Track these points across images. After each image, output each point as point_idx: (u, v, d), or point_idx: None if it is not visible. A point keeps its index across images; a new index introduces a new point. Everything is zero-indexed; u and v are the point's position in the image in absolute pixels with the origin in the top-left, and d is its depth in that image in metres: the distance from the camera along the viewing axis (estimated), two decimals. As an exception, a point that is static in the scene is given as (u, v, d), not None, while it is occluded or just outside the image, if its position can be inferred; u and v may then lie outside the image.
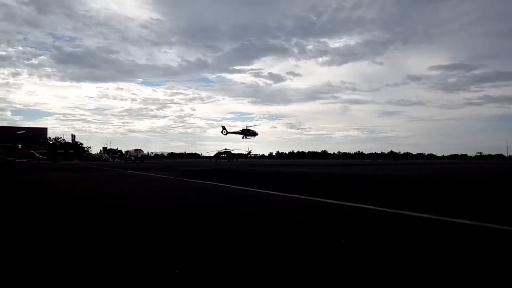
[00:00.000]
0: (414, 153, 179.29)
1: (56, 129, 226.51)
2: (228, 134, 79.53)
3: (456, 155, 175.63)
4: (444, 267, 2.78)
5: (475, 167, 31.71)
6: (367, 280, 2.50)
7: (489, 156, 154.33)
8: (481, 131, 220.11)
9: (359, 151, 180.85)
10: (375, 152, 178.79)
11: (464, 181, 13.58)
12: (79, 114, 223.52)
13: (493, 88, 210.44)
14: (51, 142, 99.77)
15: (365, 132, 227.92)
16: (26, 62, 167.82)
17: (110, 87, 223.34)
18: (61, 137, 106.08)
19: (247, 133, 77.86)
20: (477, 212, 5.44)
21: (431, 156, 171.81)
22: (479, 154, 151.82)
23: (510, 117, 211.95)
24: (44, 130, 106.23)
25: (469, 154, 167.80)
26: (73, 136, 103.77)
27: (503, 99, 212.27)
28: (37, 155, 66.85)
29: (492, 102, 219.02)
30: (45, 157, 69.37)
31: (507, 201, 7.15)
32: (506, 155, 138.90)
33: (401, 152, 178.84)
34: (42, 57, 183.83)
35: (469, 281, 2.50)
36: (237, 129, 78.67)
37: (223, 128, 79.41)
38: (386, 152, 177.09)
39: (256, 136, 79.17)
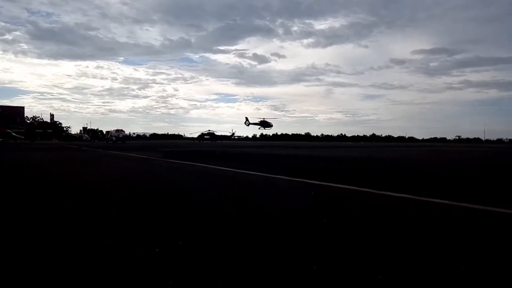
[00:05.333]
0: (395, 136, 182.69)
1: (34, 108, 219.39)
2: (250, 125, 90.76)
3: (435, 138, 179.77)
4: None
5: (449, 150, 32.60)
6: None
7: (467, 139, 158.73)
8: (461, 115, 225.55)
9: (342, 134, 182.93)
10: (357, 135, 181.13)
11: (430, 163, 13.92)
12: (57, 93, 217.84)
13: (474, 73, 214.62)
14: (28, 122, 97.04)
15: (348, 115, 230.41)
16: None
17: (89, 65, 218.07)
18: (39, 116, 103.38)
19: (265, 124, 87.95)
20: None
21: (411, 139, 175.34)
22: (457, 138, 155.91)
23: (489, 102, 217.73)
24: (21, 109, 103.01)
25: (448, 138, 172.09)
26: (52, 116, 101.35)
27: (482, 84, 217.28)
28: (14, 134, 64.88)
29: (472, 87, 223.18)
30: (23, 137, 67.47)
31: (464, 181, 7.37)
32: (483, 139, 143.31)
33: (383, 135, 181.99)
34: (16, 33, 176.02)
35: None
36: (257, 121, 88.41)
37: (246, 119, 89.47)
38: (368, 135, 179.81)
39: (272, 127, 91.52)
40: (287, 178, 7.48)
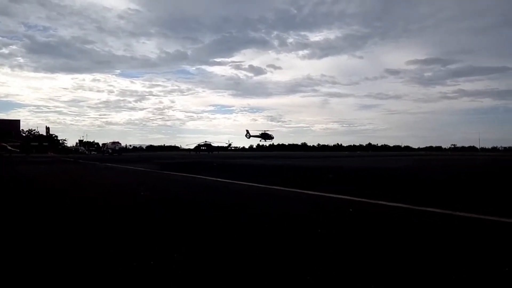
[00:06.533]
0: (391, 145, 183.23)
1: (30, 121, 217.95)
2: (250, 138, 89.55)
3: (431, 147, 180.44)
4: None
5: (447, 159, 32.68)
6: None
7: (462, 148, 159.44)
8: (455, 124, 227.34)
9: (338, 144, 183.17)
10: (353, 145, 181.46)
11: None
12: (53, 106, 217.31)
13: (468, 82, 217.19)
14: (24, 135, 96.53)
15: (344, 125, 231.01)
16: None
17: (86, 78, 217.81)
18: (35, 130, 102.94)
19: (266, 136, 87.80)
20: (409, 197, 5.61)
21: (407, 148, 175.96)
22: (453, 146, 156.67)
23: (483, 111, 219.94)
24: (17, 122, 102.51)
25: (443, 146, 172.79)
26: (48, 129, 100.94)
27: (476, 93, 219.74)
28: (9, 148, 64.42)
29: (466, 96, 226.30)
30: (18, 150, 67.00)
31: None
32: (478, 147, 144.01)
33: (379, 145, 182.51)
34: (13, 47, 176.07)
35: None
36: (258, 133, 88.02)
37: (247, 131, 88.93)
38: (364, 145, 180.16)
39: (273, 139, 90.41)
40: (283, 188, 7.49)
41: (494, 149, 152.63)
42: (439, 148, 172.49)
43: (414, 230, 3.70)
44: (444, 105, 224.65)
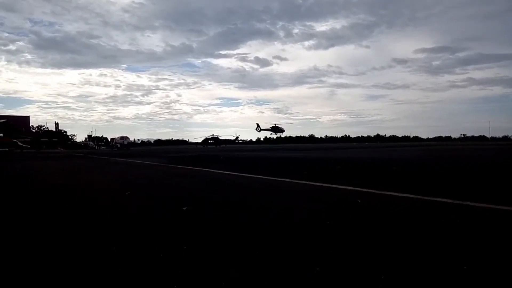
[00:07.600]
0: (400, 135, 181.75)
1: (39, 117, 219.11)
2: (261, 131, 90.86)
3: (440, 137, 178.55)
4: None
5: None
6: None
7: (472, 137, 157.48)
8: (465, 113, 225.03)
9: (346, 135, 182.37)
10: (361, 136, 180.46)
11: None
12: (62, 102, 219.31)
13: (477, 70, 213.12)
14: (34, 131, 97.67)
15: (352, 116, 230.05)
16: (3, 48, 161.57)
17: (93, 73, 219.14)
18: (44, 125, 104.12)
19: (277, 130, 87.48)
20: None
21: (416, 138, 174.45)
22: (462, 136, 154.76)
23: (493, 99, 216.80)
24: (26, 118, 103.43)
25: (453, 136, 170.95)
26: (57, 124, 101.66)
27: (486, 81, 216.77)
28: (20, 144, 65.18)
29: (475, 84, 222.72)
30: (28, 146, 67.81)
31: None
32: (489, 137, 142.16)
33: (387, 135, 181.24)
34: (20, 43, 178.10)
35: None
36: (268, 126, 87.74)
37: (257, 125, 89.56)
38: (372, 136, 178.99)
39: (283, 132, 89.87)
40: (290, 180, 7.51)
41: (505, 138, 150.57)
42: (448, 138, 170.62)
43: (424, 221, 3.69)
44: (453, 94, 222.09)
